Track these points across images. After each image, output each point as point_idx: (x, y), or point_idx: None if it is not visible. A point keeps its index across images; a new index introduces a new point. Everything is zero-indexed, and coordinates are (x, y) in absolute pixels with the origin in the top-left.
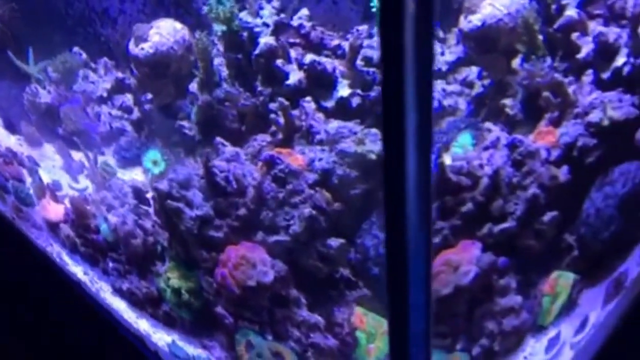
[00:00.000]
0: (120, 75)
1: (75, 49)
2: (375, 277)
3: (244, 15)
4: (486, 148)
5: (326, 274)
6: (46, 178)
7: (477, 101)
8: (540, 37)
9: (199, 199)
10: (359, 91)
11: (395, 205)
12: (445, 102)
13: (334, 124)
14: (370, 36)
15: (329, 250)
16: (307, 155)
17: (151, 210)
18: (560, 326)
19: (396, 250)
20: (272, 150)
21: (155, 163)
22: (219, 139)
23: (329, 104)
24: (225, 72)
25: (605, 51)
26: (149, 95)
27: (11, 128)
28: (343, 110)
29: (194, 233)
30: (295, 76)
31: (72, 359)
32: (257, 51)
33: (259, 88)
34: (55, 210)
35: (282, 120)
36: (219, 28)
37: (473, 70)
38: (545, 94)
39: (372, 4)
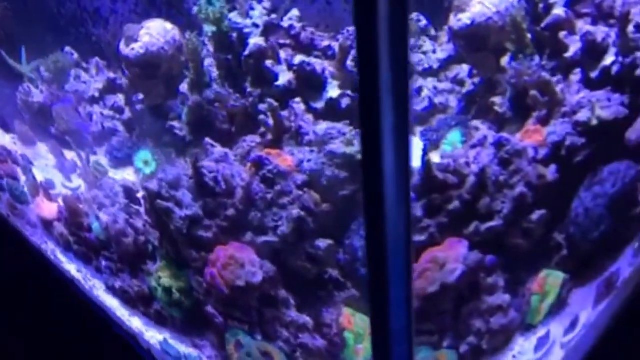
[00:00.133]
0: (111, 75)
1: (67, 48)
2: (363, 278)
3: (233, 16)
4: (473, 146)
5: (315, 275)
6: (40, 177)
7: (467, 99)
8: (529, 35)
9: (188, 199)
10: (349, 92)
11: (374, 203)
12: (437, 100)
13: (323, 125)
14: None
15: (317, 251)
16: (296, 156)
17: (142, 209)
18: (550, 325)
19: (376, 248)
20: (262, 151)
21: (146, 163)
22: (208, 139)
23: (319, 105)
24: (215, 72)
25: (593, 50)
26: (140, 96)
27: (5, 127)
28: (333, 111)
29: (183, 233)
30: (284, 77)
31: (68, 356)
32: (246, 52)
33: (249, 89)
34: (49, 209)
35: (271, 121)
36: (209, 29)
37: (464, 68)
38: (533, 92)
39: None
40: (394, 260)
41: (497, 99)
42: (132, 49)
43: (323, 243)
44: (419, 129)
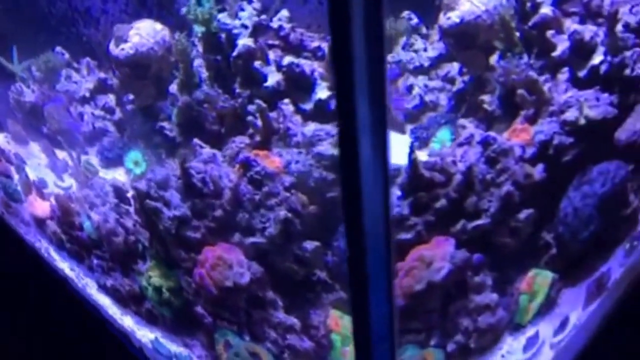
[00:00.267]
0: (102, 75)
1: (58, 48)
2: None
3: (222, 16)
4: (460, 145)
5: (302, 276)
6: (32, 175)
7: (457, 97)
8: (517, 34)
9: (176, 199)
10: None
11: (353, 202)
12: (427, 98)
13: (311, 127)
14: None
15: (304, 253)
16: (284, 158)
17: (132, 209)
18: (539, 325)
19: (355, 248)
20: (250, 152)
21: (136, 164)
22: (196, 140)
23: (308, 106)
24: (205, 73)
25: (581, 49)
26: (131, 96)
27: None
28: (321, 112)
29: (172, 233)
30: (273, 78)
31: (63, 354)
32: (235, 53)
33: (238, 90)
34: (41, 207)
35: (259, 122)
36: (198, 29)
37: (454, 66)
38: (520, 91)
39: None
40: (374, 258)
41: (486, 97)
42: (122, 49)
43: (310, 245)
44: (409, 127)
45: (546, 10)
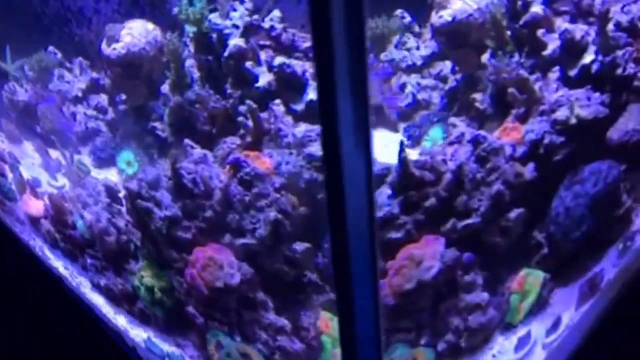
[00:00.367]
0: (95, 75)
1: (51, 48)
2: None
3: (214, 17)
4: (451, 144)
5: (293, 278)
6: (26, 175)
7: (450, 96)
8: (509, 33)
9: (168, 200)
10: None
11: (336, 202)
12: (420, 97)
13: (302, 128)
14: None
15: (294, 255)
16: (274, 159)
17: (124, 209)
18: (531, 325)
19: (339, 248)
20: (241, 153)
21: (129, 164)
22: (187, 141)
23: (299, 107)
24: (196, 74)
25: (572, 48)
26: (123, 96)
27: None
28: (313, 113)
29: (163, 233)
30: (265, 79)
31: (56, 353)
32: (226, 53)
33: (229, 91)
34: (36, 206)
35: (250, 123)
36: (190, 30)
37: (447, 65)
38: (511, 90)
39: None
40: (358, 258)
41: (478, 96)
42: (114, 49)
43: (301, 246)
44: (402, 125)
45: (537, 9)
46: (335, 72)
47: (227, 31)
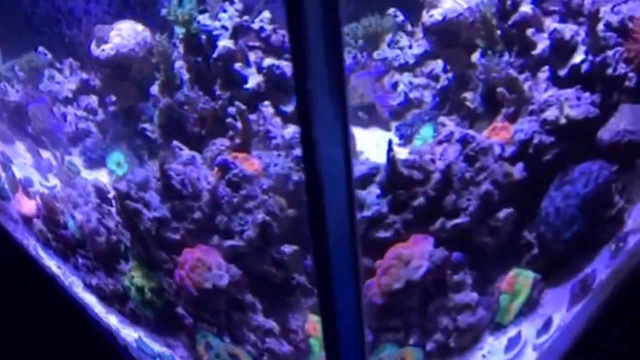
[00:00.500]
0: (85, 76)
1: (41, 48)
2: None
3: (202, 18)
4: (440, 142)
5: (281, 280)
6: (18, 174)
7: (441, 94)
8: (498, 32)
9: (156, 201)
10: None
11: (315, 202)
12: (412, 95)
13: (291, 129)
14: None
15: (282, 257)
16: (263, 160)
17: (114, 210)
18: (521, 326)
19: (319, 249)
20: (229, 154)
21: (118, 165)
22: (176, 142)
23: (288, 108)
24: (186, 75)
25: (561, 48)
26: (113, 97)
27: None
28: None
29: (152, 234)
30: (254, 80)
31: (54, 350)
32: (215, 54)
33: (218, 92)
34: (28, 205)
35: (239, 124)
36: (179, 31)
37: (439, 64)
38: (500, 89)
39: None
40: (338, 259)
41: (468, 95)
42: (103, 50)
43: (289, 248)
44: (394, 124)
45: (526, 8)
46: (311, 70)
47: (216, 32)
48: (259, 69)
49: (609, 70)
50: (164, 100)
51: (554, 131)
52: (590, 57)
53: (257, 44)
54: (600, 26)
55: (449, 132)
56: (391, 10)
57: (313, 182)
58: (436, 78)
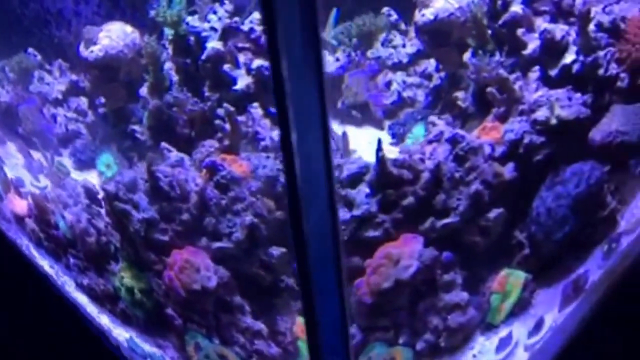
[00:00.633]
0: (74, 77)
1: (30, 50)
2: None
3: (191, 19)
4: (429, 142)
5: (269, 282)
6: (10, 174)
7: (434, 93)
8: (489, 32)
9: (144, 202)
10: None
11: (294, 203)
12: (405, 94)
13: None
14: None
15: (270, 259)
16: (251, 162)
17: (103, 211)
18: (512, 326)
19: (300, 251)
20: (219, 156)
21: (108, 166)
22: (164, 144)
23: None
24: (175, 76)
25: (552, 48)
26: (103, 99)
27: None
28: None
29: (141, 235)
30: (243, 81)
31: (45, 348)
32: (203, 56)
33: (207, 93)
34: (20, 205)
35: (228, 126)
36: (169, 32)
37: (432, 63)
38: (490, 89)
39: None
40: (320, 262)
41: (459, 94)
42: (91, 51)
43: (277, 251)
44: (387, 123)
45: (516, 8)
46: (289, 72)
47: (204, 33)
48: (248, 71)
49: (601, 71)
50: (153, 101)
51: (545, 131)
52: (581, 58)
53: (247, 45)
54: (592, 26)
55: (439, 132)
56: (385, 9)
57: (292, 185)
58: (429, 77)
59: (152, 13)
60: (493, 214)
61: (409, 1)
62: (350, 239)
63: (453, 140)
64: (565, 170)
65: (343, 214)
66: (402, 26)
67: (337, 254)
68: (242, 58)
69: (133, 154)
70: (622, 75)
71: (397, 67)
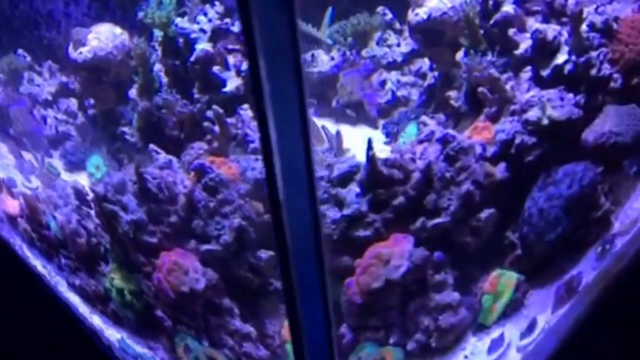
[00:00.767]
0: (64, 79)
1: (20, 51)
2: None
3: (180, 21)
4: (420, 142)
5: (258, 285)
6: (2, 175)
7: (428, 92)
8: (481, 31)
9: (133, 204)
10: None
11: (275, 205)
12: (399, 93)
13: None
14: None
15: (259, 262)
16: (240, 164)
17: (93, 212)
18: (505, 327)
19: (282, 250)
20: (208, 158)
21: (97, 168)
22: (152, 146)
23: None
24: (164, 78)
25: (544, 48)
26: (92, 101)
27: None
28: None
29: (130, 237)
30: (232, 83)
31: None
32: (192, 58)
33: (196, 95)
34: (12, 205)
35: (217, 128)
36: (158, 34)
37: (426, 62)
38: (481, 89)
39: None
40: (302, 263)
41: (452, 93)
42: (80, 53)
43: (265, 254)
44: (381, 122)
45: (508, 8)
46: (266, 74)
47: (193, 35)
48: (238, 72)
49: (593, 71)
50: (142, 103)
51: (537, 132)
52: (573, 58)
53: (237, 47)
54: (584, 27)
55: (430, 132)
56: (380, 9)
57: (272, 185)
58: (423, 76)
59: (141, 14)
60: (484, 214)
61: (403, 0)
62: (340, 238)
63: (444, 140)
64: (558, 171)
65: (333, 213)
66: (397, 25)
67: (320, 254)
68: (231, 60)
69: (123, 155)
70: (615, 75)
71: (392, 66)
